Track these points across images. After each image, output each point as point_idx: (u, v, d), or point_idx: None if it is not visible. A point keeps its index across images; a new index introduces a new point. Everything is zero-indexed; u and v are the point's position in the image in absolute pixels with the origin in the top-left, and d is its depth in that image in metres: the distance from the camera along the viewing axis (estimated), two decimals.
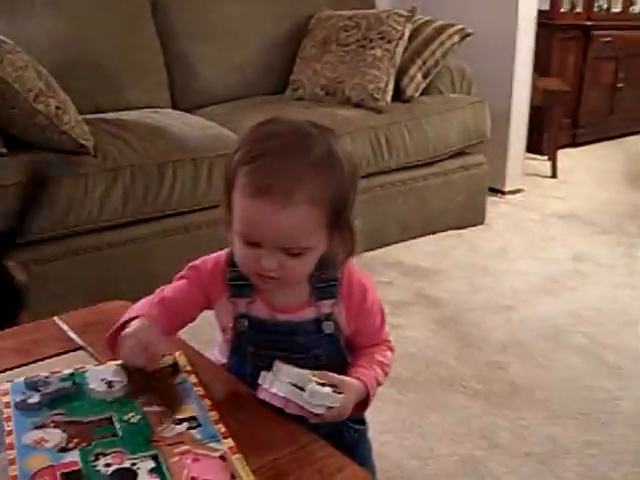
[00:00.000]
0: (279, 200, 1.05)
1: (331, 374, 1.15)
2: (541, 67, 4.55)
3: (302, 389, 1.09)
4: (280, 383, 1.10)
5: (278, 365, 1.12)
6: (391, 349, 1.31)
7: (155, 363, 1.16)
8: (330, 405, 1.10)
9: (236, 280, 1.21)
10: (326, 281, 1.21)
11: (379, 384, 1.24)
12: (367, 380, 1.20)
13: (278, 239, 1.09)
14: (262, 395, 1.11)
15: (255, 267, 1.13)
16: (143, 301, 1.24)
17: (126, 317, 1.19)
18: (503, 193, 4.20)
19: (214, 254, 1.26)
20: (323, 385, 1.10)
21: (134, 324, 1.16)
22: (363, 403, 1.21)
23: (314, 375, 1.12)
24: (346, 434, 1.31)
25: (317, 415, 1.09)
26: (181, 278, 1.28)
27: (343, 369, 1.23)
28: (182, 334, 1.38)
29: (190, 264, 1.27)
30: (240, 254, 1.15)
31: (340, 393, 1.11)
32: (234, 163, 1.12)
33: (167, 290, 1.27)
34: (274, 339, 1.21)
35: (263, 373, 1.12)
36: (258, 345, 1.22)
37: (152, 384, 1.16)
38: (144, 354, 1.13)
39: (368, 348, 1.27)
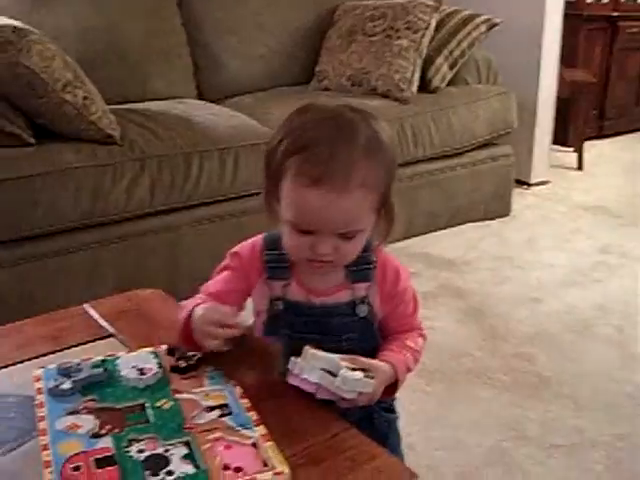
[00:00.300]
0: (336, 187, 1.07)
1: (361, 358, 1.14)
2: (567, 58, 4.51)
3: (333, 374, 1.08)
4: (311, 369, 1.09)
5: (309, 350, 1.11)
6: (423, 336, 1.30)
7: (237, 331, 1.14)
8: (361, 390, 1.09)
9: (273, 262, 1.23)
10: (361, 264, 1.22)
11: (409, 369, 1.24)
12: (397, 364, 1.19)
13: (336, 225, 1.10)
14: (292, 381, 1.11)
15: (308, 253, 1.14)
16: (190, 300, 1.23)
17: (184, 314, 1.19)
18: (529, 185, 4.17)
19: (250, 239, 1.27)
20: (354, 370, 1.10)
21: (198, 310, 1.16)
22: (392, 387, 1.21)
23: (344, 360, 1.11)
24: (377, 422, 1.31)
25: (348, 400, 1.09)
26: (223, 269, 1.28)
27: (375, 353, 1.22)
28: None
29: (230, 251, 1.28)
30: (292, 242, 1.16)
31: (372, 378, 1.11)
32: (280, 154, 1.12)
33: (211, 286, 1.27)
34: (308, 322, 1.21)
35: (293, 359, 1.12)
36: (292, 328, 1.22)
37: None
38: (221, 332, 1.12)
39: (400, 334, 1.27)
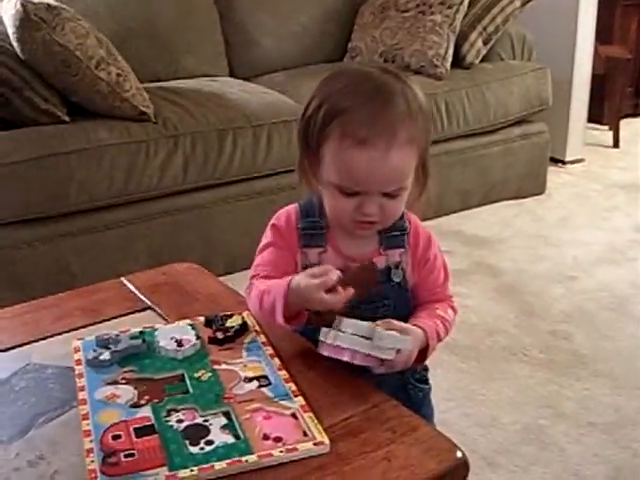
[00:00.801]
0: (383, 146, 1.08)
1: (394, 321, 1.13)
2: (603, 34, 4.43)
3: (367, 338, 1.07)
4: (344, 335, 1.08)
5: (341, 319, 1.11)
6: (453, 308, 1.29)
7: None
8: (400, 347, 1.08)
9: (308, 230, 1.23)
10: (394, 230, 1.22)
11: (439, 338, 1.22)
12: (428, 329, 1.18)
13: (383, 184, 1.11)
14: (324, 351, 1.10)
15: (354, 215, 1.14)
16: (255, 292, 1.20)
17: (269, 302, 1.16)
18: (564, 163, 4.12)
19: (285, 208, 1.27)
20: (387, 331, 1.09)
21: (296, 283, 1.12)
22: (422, 353, 1.19)
23: (377, 324, 1.10)
24: (412, 393, 1.31)
25: (385, 362, 1.09)
26: (266, 246, 1.26)
27: (408, 321, 1.21)
28: None
29: (270, 223, 1.27)
30: (336, 206, 1.16)
31: (407, 334, 1.10)
32: (320, 119, 1.12)
33: (261, 268, 1.24)
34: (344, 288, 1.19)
35: (324, 329, 1.11)
36: None
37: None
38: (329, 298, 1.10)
39: (430, 303, 1.26)
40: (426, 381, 1.36)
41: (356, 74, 1.17)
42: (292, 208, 1.26)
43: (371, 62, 3.12)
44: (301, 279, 1.11)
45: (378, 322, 1.11)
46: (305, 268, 1.21)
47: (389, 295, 1.23)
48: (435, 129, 3.19)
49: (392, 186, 1.12)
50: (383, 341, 1.07)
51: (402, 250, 1.23)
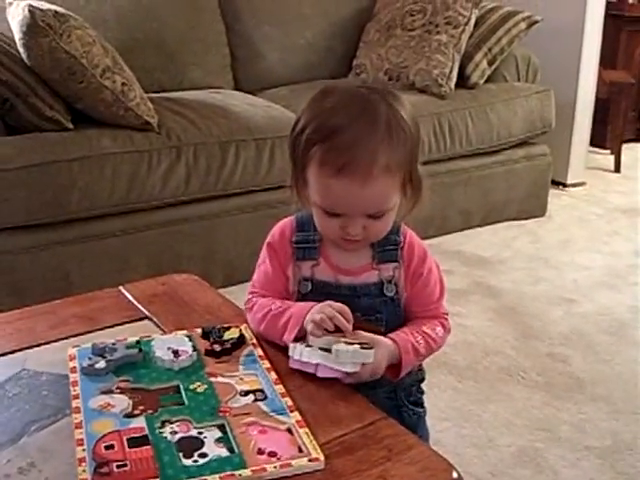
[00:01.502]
0: (360, 177, 1.09)
1: (363, 333, 1.14)
2: (607, 59, 4.45)
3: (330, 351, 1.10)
4: (310, 350, 1.11)
5: (307, 334, 1.14)
6: (444, 326, 1.28)
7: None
8: (361, 362, 1.09)
9: (302, 244, 1.24)
10: (387, 245, 1.23)
11: (417, 353, 1.21)
12: (400, 342, 1.18)
13: (363, 209, 1.14)
14: (293, 364, 1.14)
15: (339, 233, 1.16)
16: (259, 315, 1.24)
17: (281, 322, 1.20)
18: (565, 186, 4.12)
19: (279, 223, 1.29)
20: (351, 344, 1.09)
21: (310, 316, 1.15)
22: (397, 368, 1.19)
23: (344, 337, 1.12)
24: (405, 415, 1.30)
25: (350, 375, 1.10)
26: (261, 263, 1.29)
27: None
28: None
29: (266, 242, 1.29)
30: (322, 224, 1.19)
31: (370, 348, 1.10)
32: (304, 142, 1.13)
33: (257, 283, 1.29)
34: (337, 301, 1.19)
35: (291, 344, 1.14)
36: None
37: None
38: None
39: (420, 319, 1.26)
40: (421, 404, 1.35)
41: (342, 94, 1.16)
42: (288, 221, 1.27)
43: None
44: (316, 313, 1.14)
45: (347, 335, 1.12)
46: (299, 281, 1.24)
47: (381, 310, 1.23)
48: (438, 148, 3.19)
49: (372, 210, 1.13)
50: (340, 358, 1.08)
51: (395, 264, 1.23)
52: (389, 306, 1.23)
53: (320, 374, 1.11)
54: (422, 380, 1.36)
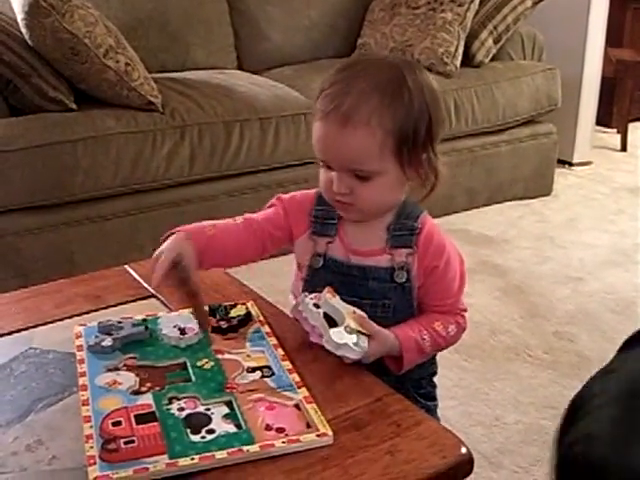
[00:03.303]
0: (338, 121, 1.09)
1: (370, 321, 1.12)
2: (613, 37, 4.41)
3: (333, 324, 1.08)
4: (316, 312, 1.10)
5: (325, 292, 1.12)
6: (459, 324, 1.25)
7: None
8: (349, 356, 1.08)
9: (320, 218, 1.22)
10: (403, 230, 1.20)
11: (422, 351, 1.19)
12: (404, 341, 1.16)
13: (341, 159, 1.12)
14: (294, 313, 1.16)
15: (331, 191, 1.15)
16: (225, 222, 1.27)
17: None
18: (571, 165, 4.10)
19: (304, 191, 1.27)
20: (352, 332, 1.08)
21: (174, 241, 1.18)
22: (400, 362, 1.18)
23: (354, 316, 1.10)
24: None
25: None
26: (269, 207, 1.28)
27: None
28: (253, 284, 1.37)
29: (278, 195, 1.28)
30: (321, 179, 1.18)
31: (369, 336, 1.09)
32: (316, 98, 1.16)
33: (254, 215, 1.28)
34: (346, 281, 1.19)
35: (304, 295, 1.13)
36: (330, 286, 1.18)
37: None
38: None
39: (434, 314, 1.23)
40: (432, 397, 1.33)
41: (369, 57, 1.20)
42: (311, 192, 1.26)
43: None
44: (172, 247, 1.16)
45: (356, 313, 1.12)
46: (313, 256, 1.22)
47: (390, 296, 1.20)
48: (442, 127, 3.17)
49: (352, 165, 1.11)
50: (329, 344, 1.07)
51: (409, 250, 1.19)
52: (398, 293, 1.20)
53: (312, 339, 1.13)
54: (434, 374, 1.34)
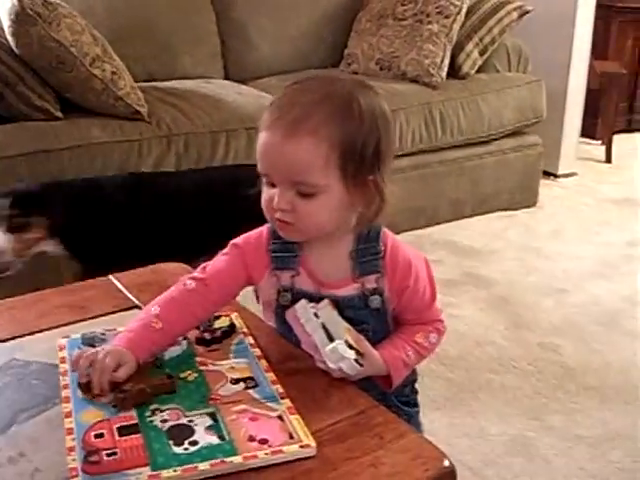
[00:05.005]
0: (283, 130, 1.06)
1: (366, 342, 1.12)
2: (598, 50, 4.44)
3: (330, 337, 1.07)
4: (313, 321, 1.09)
5: (326, 304, 1.12)
6: (438, 331, 1.25)
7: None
8: (345, 370, 1.07)
9: (279, 252, 1.18)
10: (367, 256, 1.17)
11: (408, 366, 1.20)
12: (391, 363, 1.16)
13: (284, 170, 1.07)
14: (291, 320, 1.13)
15: (271, 209, 1.10)
16: (166, 296, 1.17)
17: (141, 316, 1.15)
18: (556, 176, 4.12)
19: (256, 229, 1.21)
20: (350, 347, 1.07)
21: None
22: (389, 379, 1.18)
23: (350, 330, 1.10)
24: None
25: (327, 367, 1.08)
26: (223, 255, 1.22)
27: None
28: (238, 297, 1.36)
29: (232, 242, 1.22)
30: (263, 197, 1.12)
31: (360, 364, 1.08)
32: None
33: (210, 267, 1.21)
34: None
35: (304, 301, 1.12)
36: None
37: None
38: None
39: (413, 326, 1.23)
40: (414, 404, 1.33)
41: (317, 76, 1.16)
42: (264, 229, 1.20)
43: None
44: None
45: (352, 330, 1.11)
46: (279, 292, 1.18)
47: (367, 320, 1.18)
48: (429, 138, 3.19)
49: (294, 177, 1.06)
50: (334, 354, 1.06)
51: (378, 275, 1.17)
52: (374, 317, 1.18)
53: (304, 347, 1.11)
54: (414, 381, 1.33)
